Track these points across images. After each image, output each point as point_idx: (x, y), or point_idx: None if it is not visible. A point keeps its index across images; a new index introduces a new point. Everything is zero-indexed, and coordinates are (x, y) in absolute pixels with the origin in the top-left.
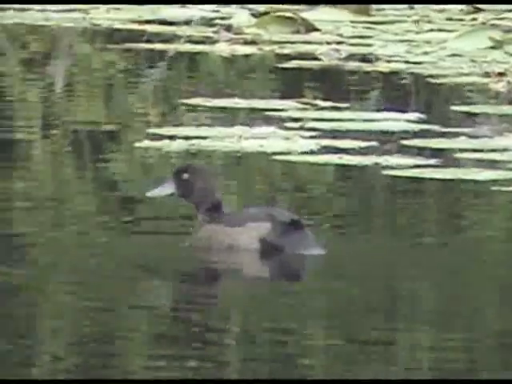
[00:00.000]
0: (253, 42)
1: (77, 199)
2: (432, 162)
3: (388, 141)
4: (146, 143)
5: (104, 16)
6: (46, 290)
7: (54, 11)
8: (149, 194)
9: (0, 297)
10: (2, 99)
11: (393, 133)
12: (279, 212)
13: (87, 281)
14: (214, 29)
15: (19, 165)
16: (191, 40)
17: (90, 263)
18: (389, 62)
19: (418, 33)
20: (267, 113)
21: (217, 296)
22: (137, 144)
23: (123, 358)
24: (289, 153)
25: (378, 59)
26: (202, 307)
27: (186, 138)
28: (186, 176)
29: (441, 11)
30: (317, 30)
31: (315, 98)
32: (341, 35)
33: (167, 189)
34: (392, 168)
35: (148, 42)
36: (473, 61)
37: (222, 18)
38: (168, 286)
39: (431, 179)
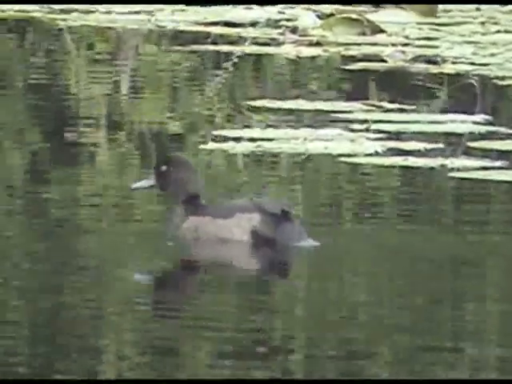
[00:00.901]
0: (318, 44)
1: (143, 201)
2: (498, 163)
3: (454, 143)
4: (211, 145)
5: (169, 18)
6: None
7: (119, 13)
8: (132, 187)
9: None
10: (68, 101)
11: (459, 135)
12: (269, 203)
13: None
14: (280, 30)
15: (85, 166)
16: (257, 42)
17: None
18: (455, 63)
19: (484, 34)
20: (333, 115)
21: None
22: (202, 146)
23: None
24: (354, 155)
25: (444, 61)
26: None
27: (252, 139)
28: (163, 168)
29: (508, 12)
30: (382, 31)
31: (381, 99)
32: (407, 37)
33: (148, 181)
34: (458, 170)
35: (213, 43)
36: None
37: (288, 20)
38: None
39: (497, 181)
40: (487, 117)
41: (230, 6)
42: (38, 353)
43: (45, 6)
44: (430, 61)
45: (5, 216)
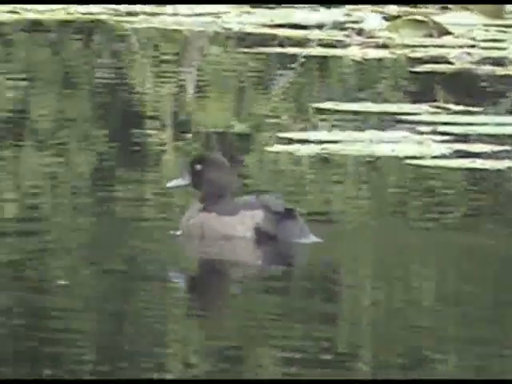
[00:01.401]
0: (384, 46)
1: None
2: None
3: None
4: (277, 147)
5: (235, 20)
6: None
7: (185, 15)
8: (168, 185)
9: None
10: (134, 103)
11: None
12: (272, 200)
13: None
14: (346, 32)
15: (151, 168)
16: (323, 44)
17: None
18: None
19: None
20: (399, 117)
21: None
22: (267, 148)
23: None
24: (421, 157)
25: (510, 62)
26: None
27: (317, 142)
28: (198, 167)
29: None
30: (449, 33)
31: (447, 101)
32: (473, 39)
33: (183, 180)
34: None
35: (280, 45)
36: None
37: (354, 22)
38: None
39: None
40: None
41: (296, 8)
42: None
43: (111, 9)
44: (497, 62)
45: (71, 214)
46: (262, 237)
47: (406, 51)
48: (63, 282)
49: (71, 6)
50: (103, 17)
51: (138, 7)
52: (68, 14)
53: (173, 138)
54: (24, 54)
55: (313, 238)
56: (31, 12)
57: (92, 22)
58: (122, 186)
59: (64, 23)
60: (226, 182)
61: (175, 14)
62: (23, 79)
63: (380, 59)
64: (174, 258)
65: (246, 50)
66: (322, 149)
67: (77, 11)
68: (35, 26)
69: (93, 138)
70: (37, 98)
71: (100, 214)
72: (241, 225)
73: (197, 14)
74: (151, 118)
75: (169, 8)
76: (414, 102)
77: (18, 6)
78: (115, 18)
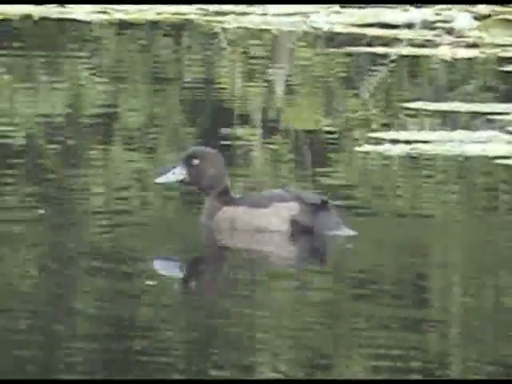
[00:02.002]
0: (474, 46)
1: None
2: None
3: None
4: (367, 147)
5: (324, 19)
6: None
7: (274, 15)
8: (158, 181)
9: None
10: (223, 102)
11: None
12: (305, 193)
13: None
14: (436, 32)
15: (239, 169)
16: (412, 43)
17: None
18: None
19: None
20: (489, 116)
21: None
22: (357, 148)
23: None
24: (511, 157)
25: None
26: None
27: (408, 142)
28: (195, 162)
29: None
30: None
31: None
32: None
33: (177, 175)
34: None
35: (369, 45)
36: None
37: (444, 22)
38: None
39: None
40: None
41: (386, 7)
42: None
43: (200, 8)
44: None
45: (159, 210)
46: (298, 229)
47: (496, 50)
48: (151, 283)
49: (160, 6)
50: (192, 17)
51: (227, 7)
52: (157, 14)
53: (261, 137)
54: (113, 54)
55: (348, 231)
56: (120, 12)
57: (181, 22)
58: None
59: (153, 23)
60: (222, 175)
61: (264, 14)
62: (113, 78)
63: (470, 59)
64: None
65: (334, 49)
66: (412, 148)
67: (166, 11)
68: (124, 26)
69: (181, 135)
70: (126, 96)
71: (187, 210)
72: (276, 217)
73: (286, 14)
74: (240, 116)
75: (258, 8)
76: (504, 101)
77: (107, 7)
78: (204, 18)
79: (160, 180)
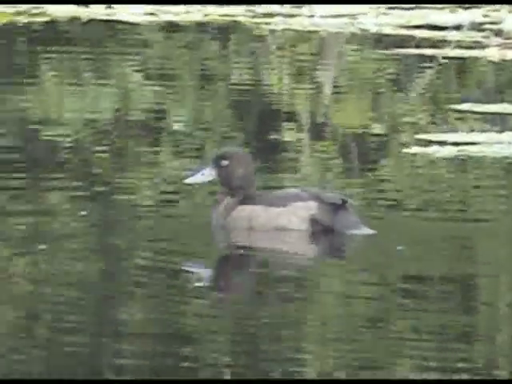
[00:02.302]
0: None
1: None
2: None
3: None
4: (415, 149)
5: (372, 21)
6: None
7: (322, 17)
8: (187, 181)
9: None
10: (271, 104)
11: None
12: (324, 193)
13: None
14: (484, 33)
15: (287, 171)
16: (461, 45)
17: None
18: None
19: None
20: None
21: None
22: (405, 150)
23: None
24: None
25: None
26: None
27: (456, 144)
28: (225, 163)
29: None
30: None
31: None
32: None
33: (207, 176)
34: None
35: (417, 47)
36: None
37: (492, 23)
38: None
39: None
40: None
41: (434, 9)
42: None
43: (248, 10)
44: None
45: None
46: (318, 228)
47: None
48: (199, 284)
49: (207, 7)
50: (240, 18)
51: (275, 8)
52: (205, 15)
53: (310, 139)
54: (161, 56)
55: (368, 230)
56: (168, 14)
57: (229, 23)
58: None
59: (201, 25)
60: (252, 177)
61: (311, 16)
62: (160, 80)
63: None
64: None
65: (382, 51)
66: (460, 150)
67: (214, 13)
68: (172, 27)
69: (229, 138)
70: (173, 98)
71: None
72: (295, 216)
73: (333, 16)
74: (288, 118)
75: (305, 9)
76: None
77: (154, 8)
78: (252, 20)
79: (189, 181)
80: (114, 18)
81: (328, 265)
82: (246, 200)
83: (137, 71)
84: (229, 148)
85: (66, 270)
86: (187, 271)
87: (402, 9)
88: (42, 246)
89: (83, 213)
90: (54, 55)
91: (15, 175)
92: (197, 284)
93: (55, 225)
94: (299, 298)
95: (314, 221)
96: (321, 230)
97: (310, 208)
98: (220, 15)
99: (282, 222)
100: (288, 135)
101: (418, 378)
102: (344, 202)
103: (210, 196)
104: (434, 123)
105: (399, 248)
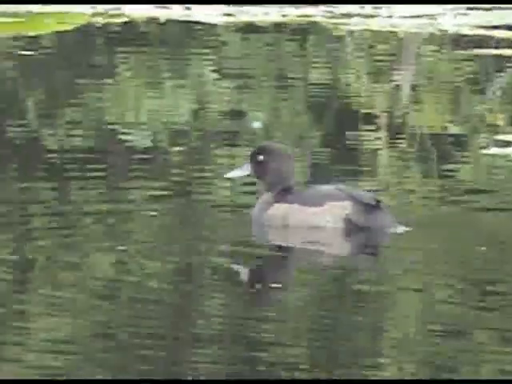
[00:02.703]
0: None
1: (418, 206)
2: None
3: None
4: (494, 150)
5: (451, 22)
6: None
7: (401, 17)
8: (227, 176)
9: None
10: (349, 104)
11: None
12: (358, 192)
13: None
14: None
15: (366, 171)
16: None
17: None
18: None
19: None
20: None
21: None
22: (484, 150)
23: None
24: None
25: None
26: None
27: None
28: (260, 158)
29: None
30: None
31: None
32: None
33: (243, 170)
34: None
35: (496, 47)
36: None
37: None
38: None
39: None
40: None
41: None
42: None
43: (327, 11)
44: None
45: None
46: (353, 227)
47: None
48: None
49: (286, 8)
50: (318, 19)
51: (353, 8)
52: (282, 16)
53: (388, 139)
54: (239, 56)
55: (403, 228)
56: (246, 15)
57: (307, 23)
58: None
59: (278, 25)
60: (289, 172)
61: (390, 16)
62: (238, 80)
63: None
64: None
65: (461, 51)
66: None
67: (291, 13)
68: (250, 28)
69: (308, 138)
70: (251, 98)
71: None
72: (330, 215)
73: (412, 16)
74: (366, 118)
75: (384, 10)
76: None
77: (232, 9)
78: (330, 21)
79: (228, 175)
80: (191, 18)
81: (406, 270)
82: (282, 197)
83: (214, 71)
84: (267, 143)
85: (144, 271)
86: (260, 272)
87: (481, 9)
88: (122, 247)
89: (153, 213)
90: (131, 56)
91: (94, 175)
92: (274, 285)
93: (133, 225)
94: (377, 302)
95: (348, 220)
96: (356, 229)
97: (345, 208)
98: (298, 16)
99: (318, 221)
100: (366, 135)
101: (419, 379)
102: (378, 201)
103: None
104: None
105: (482, 249)
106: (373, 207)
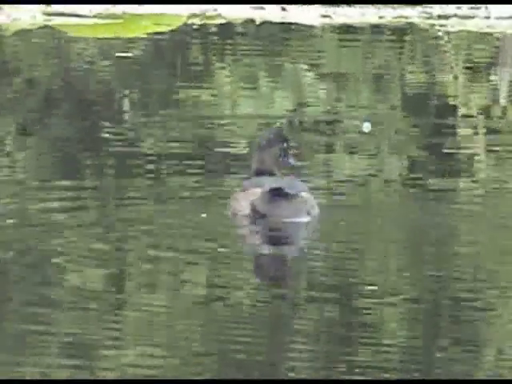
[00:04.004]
0: None
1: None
2: None
3: None
4: None
5: None
6: None
7: (497, 18)
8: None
9: None
10: (445, 106)
11: None
12: (275, 180)
13: None
14: None
15: (464, 173)
16: None
17: None
18: None
19: None
20: None
21: None
22: None
23: None
24: None
25: None
26: None
27: None
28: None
29: None
30: None
31: None
32: None
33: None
34: None
35: None
36: None
37: None
38: None
39: None
40: None
41: None
42: None
43: (424, 12)
44: None
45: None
46: (256, 214)
47: None
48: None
49: (383, 9)
50: (415, 20)
51: (450, 9)
52: (379, 17)
53: (486, 138)
54: (336, 58)
55: (305, 218)
56: (343, 16)
57: (404, 25)
58: (433, 194)
59: (375, 26)
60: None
61: (487, 17)
62: (335, 82)
63: None
64: None
65: None
66: None
67: (388, 15)
68: (346, 29)
69: (402, 143)
70: (348, 100)
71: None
72: (244, 201)
73: (510, 17)
74: (463, 119)
75: (482, 11)
76: None
77: (330, 10)
78: (427, 21)
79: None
80: (288, 20)
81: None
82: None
83: (311, 72)
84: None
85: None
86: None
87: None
88: (222, 249)
89: (203, 215)
90: (229, 57)
91: (192, 179)
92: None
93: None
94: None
95: (252, 206)
96: (257, 216)
97: (254, 194)
98: (395, 17)
99: (236, 208)
100: (463, 134)
101: (419, 378)
102: (282, 189)
103: (386, 197)
104: None
105: None
106: (281, 197)
